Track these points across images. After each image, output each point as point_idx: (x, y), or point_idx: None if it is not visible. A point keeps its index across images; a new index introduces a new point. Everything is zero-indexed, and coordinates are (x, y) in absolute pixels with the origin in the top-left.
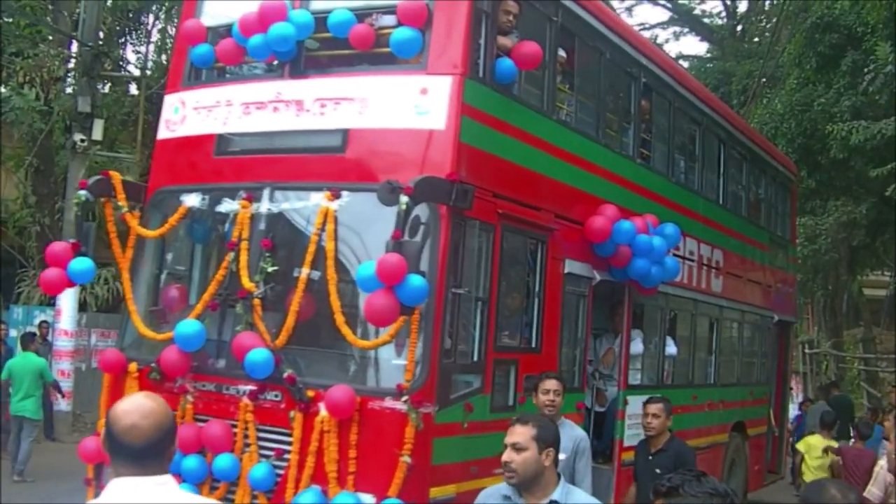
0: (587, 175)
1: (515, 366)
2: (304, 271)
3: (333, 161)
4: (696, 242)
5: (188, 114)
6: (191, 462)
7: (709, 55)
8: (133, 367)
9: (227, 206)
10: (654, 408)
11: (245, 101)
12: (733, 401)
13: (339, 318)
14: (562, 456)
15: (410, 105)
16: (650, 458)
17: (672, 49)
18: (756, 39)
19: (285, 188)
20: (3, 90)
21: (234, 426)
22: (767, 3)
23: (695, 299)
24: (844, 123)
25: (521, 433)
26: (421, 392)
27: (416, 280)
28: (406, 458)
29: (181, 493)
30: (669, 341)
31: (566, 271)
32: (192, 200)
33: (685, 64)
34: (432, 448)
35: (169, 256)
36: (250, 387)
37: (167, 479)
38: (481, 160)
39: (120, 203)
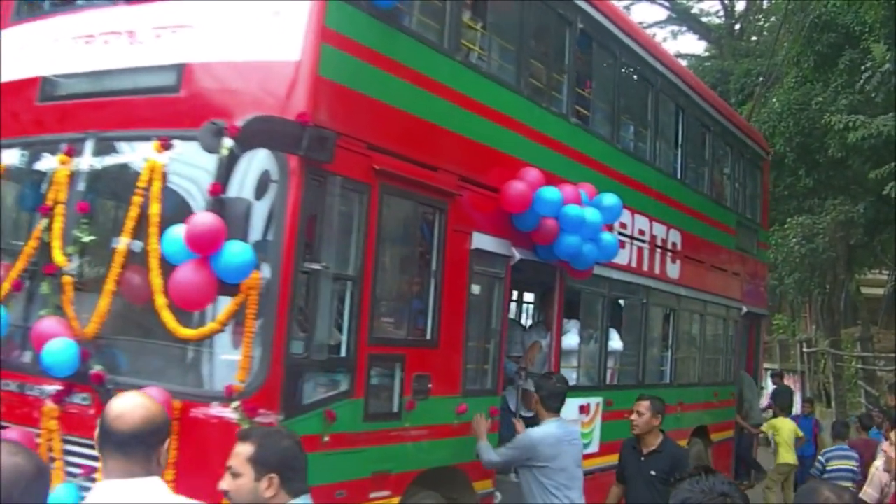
0: (504, 132)
1: (401, 363)
2: (123, 241)
3: (167, 103)
4: (648, 220)
5: (13, 54)
6: None
7: (707, 54)
8: None
9: (46, 162)
10: (640, 405)
11: (75, 35)
12: (694, 403)
13: (160, 300)
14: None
15: (260, 32)
16: (642, 459)
17: (670, 48)
18: (754, 38)
19: (111, 139)
20: None
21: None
22: (766, 2)
23: (646, 286)
24: (842, 116)
25: (235, 452)
26: (258, 396)
27: (236, 249)
28: None
29: (169, 494)
30: (614, 334)
31: (474, 247)
32: (10, 157)
33: (683, 63)
34: None
35: None
36: (56, 387)
37: (154, 481)
38: (352, 102)
39: None
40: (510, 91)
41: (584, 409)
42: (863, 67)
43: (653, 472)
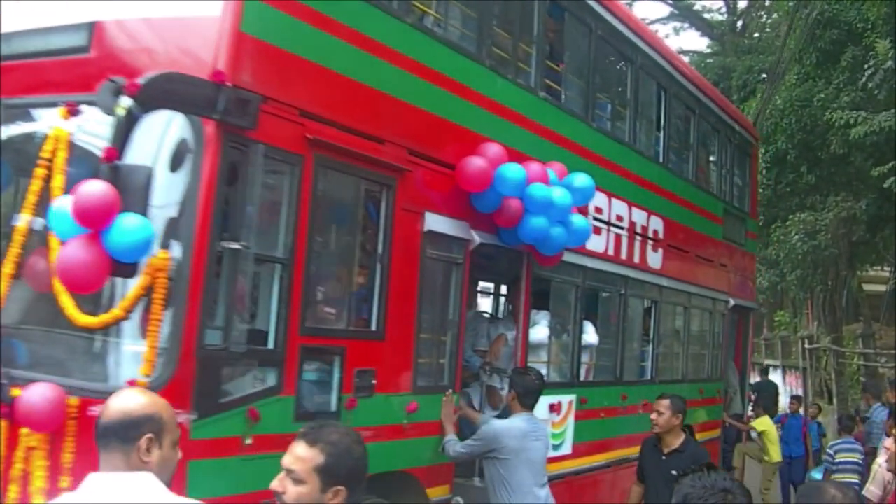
0: (462, 104)
1: (340, 356)
2: (24, 218)
3: (77, 66)
4: (626, 205)
5: None
6: None
7: (709, 51)
8: None
9: None
10: (660, 404)
11: None
12: None
13: (59, 284)
14: None
15: None
16: (663, 458)
17: (672, 44)
18: (756, 35)
19: (16, 106)
20: None
21: None
22: None
23: (625, 276)
24: (844, 112)
25: (300, 457)
26: (164, 392)
27: (131, 223)
28: None
29: (160, 492)
30: (588, 327)
31: (426, 228)
32: None
33: (685, 59)
34: (186, 475)
35: None
36: None
37: (147, 477)
38: (282, 63)
39: None
40: (469, 60)
41: (554, 408)
42: (865, 65)
43: (674, 472)
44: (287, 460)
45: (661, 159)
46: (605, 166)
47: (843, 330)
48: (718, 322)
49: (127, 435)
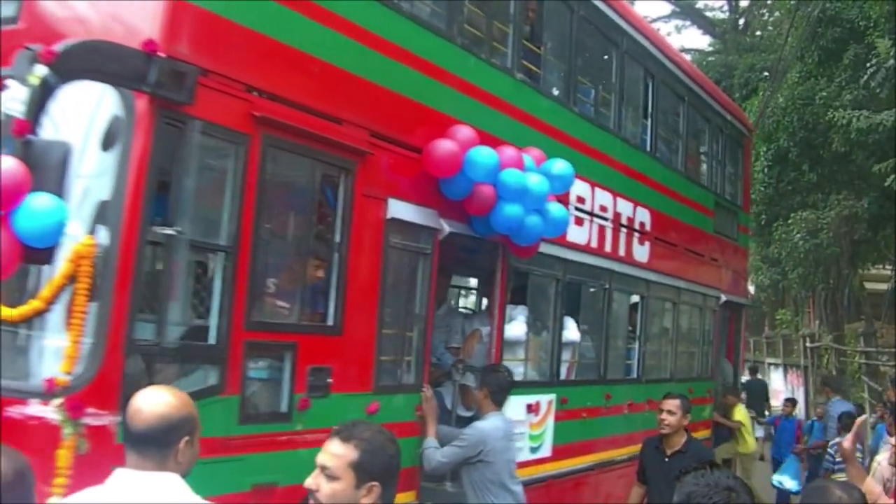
0: (430, 84)
1: (292, 352)
2: None
3: (5, 38)
4: (611, 196)
5: None
6: None
7: (711, 49)
8: None
9: None
10: (670, 404)
11: None
12: None
13: None
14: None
15: None
16: (666, 459)
17: (674, 42)
18: (758, 33)
19: None
20: None
21: None
22: None
23: (609, 269)
24: (846, 112)
25: (335, 453)
26: (87, 391)
27: (42, 204)
28: (55, 501)
29: (185, 493)
30: (569, 323)
31: (390, 216)
32: None
33: (687, 57)
34: None
35: None
36: None
37: (173, 478)
38: (225, 34)
39: None
40: (439, 37)
41: (532, 408)
42: (867, 63)
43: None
44: (321, 458)
45: (648, 148)
46: (588, 154)
47: (844, 328)
48: (709, 318)
49: (167, 440)
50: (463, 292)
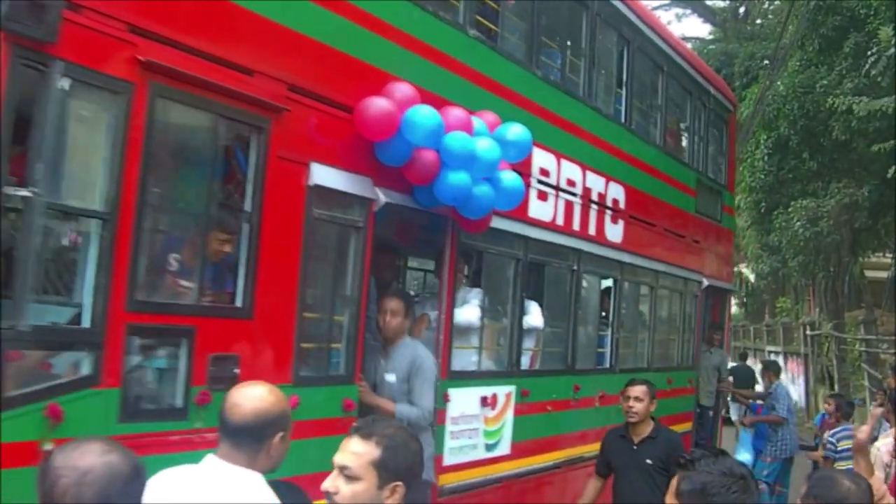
0: (364, 34)
1: (189, 339)
2: None
3: None
4: (580, 169)
5: None
6: None
7: (711, 37)
8: None
9: None
10: (637, 390)
11: None
12: None
13: None
14: (391, 377)
15: None
16: (635, 447)
17: (674, 30)
18: (759, 21)
19: None
20: None
21: None
22: None
23: (577, 249)
24: (846, 98)
25: (355, 452)
26: None
27: None
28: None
29: (265, 494)
30: (532, 308)
31: (313, 183)
32: None
33: (688, 45)
34: None
35: None
36: None
37: (255, 477)
38: None
39: None
40: None
41: (488, 402)
42: (868, 52)
43: (649, 461)
44: (339, 457)
45: (622, 120)
46: (554, 122)
47: (844, 316)
48: (690, 304)
49: (262, 434)
50: (420, 275)
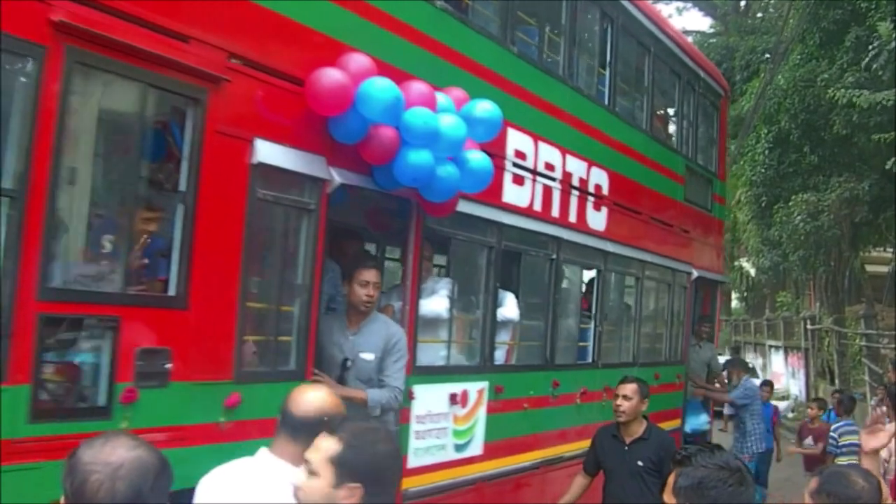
0: (317, 1)
1: (112, 330)
2: None
3: None
4: (559, 152)
5: None
6: None
7: (712, 31)
8: None
9: None
10: (627, 388)
11: None
12: None
13: None
14: (369, 356)
15: None
16: (626, 448)
17: (675, 24)
18: (760, 15)
19: None
20: None
21: None
22: None
23: (557, 237)
24: (847, 91)
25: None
26: None
27: None
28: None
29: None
30: (507, 299)
31: (257, 160)
32: None
33: (689, 39)
34: None
35: None
36: None
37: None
38: None
39: None
40: None
41: (457, 399)
42: (869, 45)
43: (640, 463)
44: (307, 452)
45: (606, 102)
46: (530, 102)
47: (845, 311)
48: (679, 296)
49: (319, 431)
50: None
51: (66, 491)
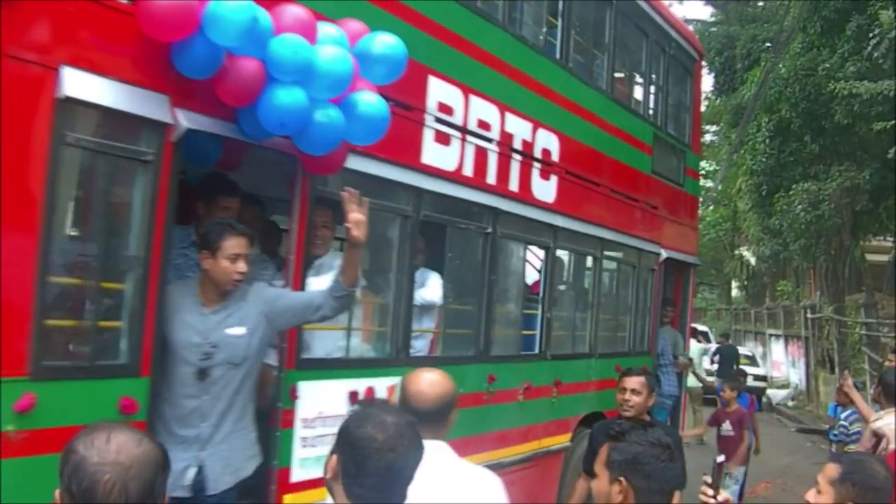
0: None
1: None
2: None
3: None
4: (497, 109)
5: None
6: None
7: (713, 19)
8: None
9: None
10: (634, 381)
11: None
12: (580, 381)
13: None
14: (239, 331)
15: None
16: None
17: (676, 13)
18: (760, 3)
19: None
20: None
21: None
22: None
23: (493, 207)
24: (847, 83)
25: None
26: None
27: None
28: None
29: (452, 456)
30: (429, 280)
31: (64, 95)
32: None
33: (690, 28)
34: None
35: None
36: None
37: (441, 445)
38: None
39: None
40: None
41: (360, 398)
42: (870, 34)
43: None
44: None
45: (557, 56)
46: (460, 47)
47: (845, 299)
48: (646, 279)
49: (443, 414)
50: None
51: (69, 490)
